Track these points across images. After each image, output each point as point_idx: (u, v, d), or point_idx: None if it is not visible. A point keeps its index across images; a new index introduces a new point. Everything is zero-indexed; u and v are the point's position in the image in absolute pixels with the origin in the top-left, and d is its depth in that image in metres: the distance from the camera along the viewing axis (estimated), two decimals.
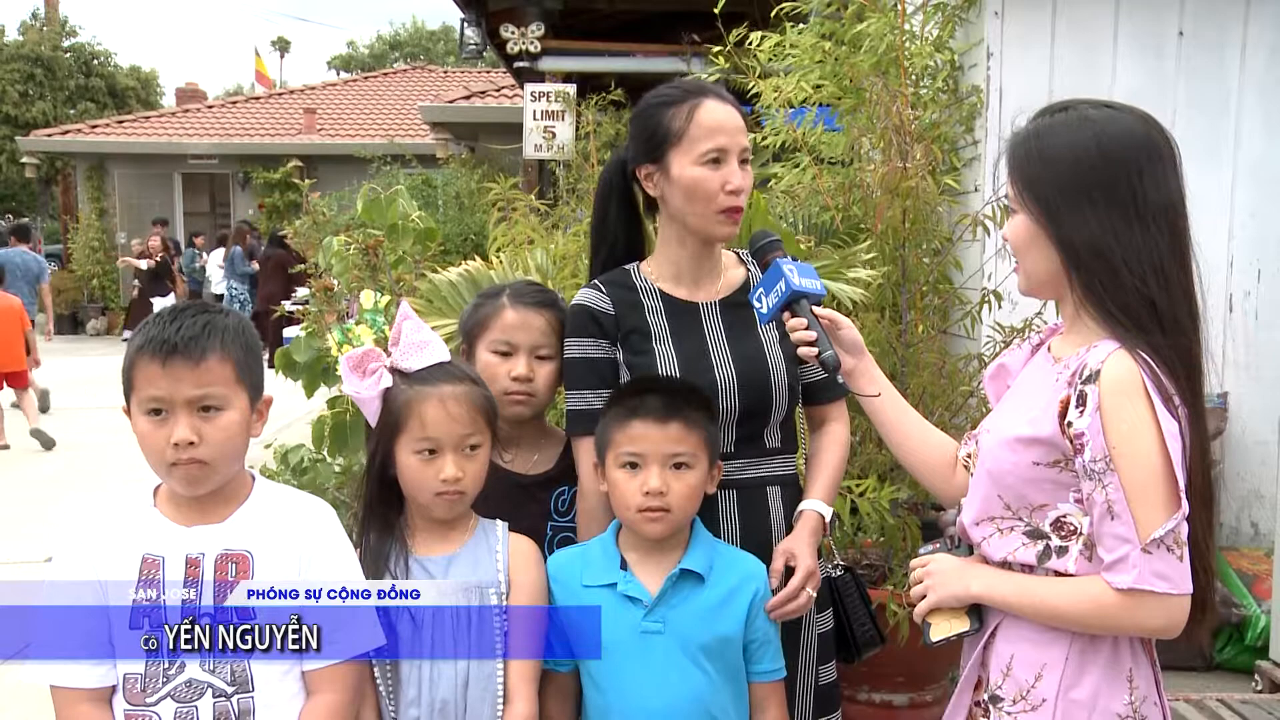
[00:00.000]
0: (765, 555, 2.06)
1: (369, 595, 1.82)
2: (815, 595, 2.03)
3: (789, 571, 2.01)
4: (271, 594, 1.72)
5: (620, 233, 2.23)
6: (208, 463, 1.69)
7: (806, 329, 1.90)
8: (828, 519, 2.10)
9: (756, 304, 1.99)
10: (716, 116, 2.05)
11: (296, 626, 1.74)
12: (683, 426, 1.93)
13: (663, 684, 1.91)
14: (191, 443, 1.66)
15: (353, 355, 1.93)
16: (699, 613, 1.94)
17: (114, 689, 1.71)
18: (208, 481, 1.72)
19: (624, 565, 1.97)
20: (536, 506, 2.21)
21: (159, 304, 15.02)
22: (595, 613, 1.93)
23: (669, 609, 1.93)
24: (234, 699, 1.70)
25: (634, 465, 1.93)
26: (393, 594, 1.85)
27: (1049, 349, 1.76)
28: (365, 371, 1.92)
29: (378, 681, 1.88)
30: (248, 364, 1.75)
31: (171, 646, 1.68)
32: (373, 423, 1.94)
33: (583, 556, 2.03)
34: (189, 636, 1.68)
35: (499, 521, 2.03)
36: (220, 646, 1.69)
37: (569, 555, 2.05)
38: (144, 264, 17.20)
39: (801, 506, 2.11)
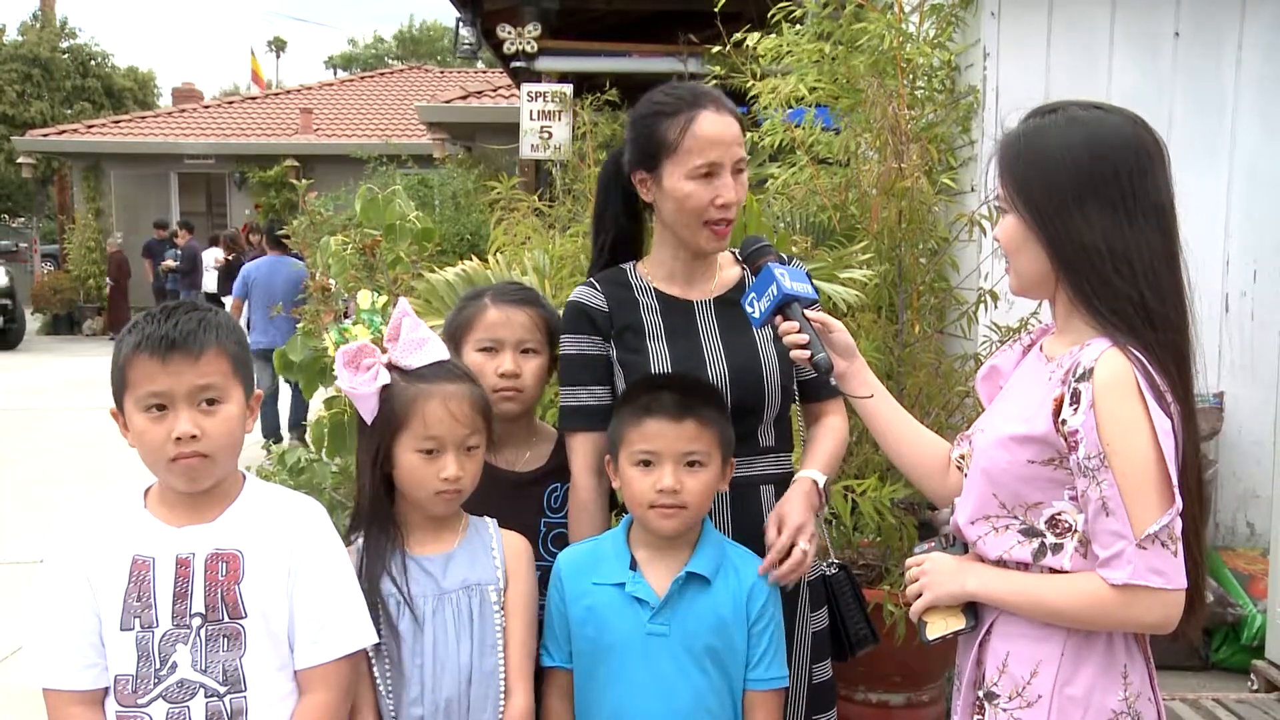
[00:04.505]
0: (760, 553, 2.05)
1: (362, 593, 1.83)
2: (811, 551, 1.99)
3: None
4: (262, 593, 1.72)
5: (617, 227, 2.25)
6: (209, 456, 1.69)
7: (799, 332, 1.90)
8: (821, 485, 2.09)
9: (749, 309, 1.99)
10: (711, 130, 2.04)
11: (288, 625, 1.74)
12: (697, 424, 1.92)
13: (665, 686, 1.91)
14: (194, 436, 1.67)
15: (347, 350, 1.92)
16: (703, 616, 1.93)
17: (106, 691, 1.70)
18: (208, 476, 1.72)
19: (634, 565, 1.97)
20: (529, 503, 2.21)
21: (230, 304, 14.96)
22: (598, 612, 1.95)
23: (674, 611, 1.93)
24: (226, 699, 1.69)
25: (648, 463, 1.93)
26: (396, 594, 1.86)
27: (1041, 349, 1.77)
28: (360, 367, 1.92)
29: (377, 681, 1.87)
30: (241, 359, 1.76)
31: (161, 647, 1.67)
32: (368, 419, 1.92)
33: (594, 553, 2.02)
34: (181, 636, 1.68)
35: (488, 519, 2.03)
36: (211, 647, 1.69)
37: (580, 551, 2.05)
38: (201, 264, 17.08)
39: (796, 475, 2.11)
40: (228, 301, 15.11)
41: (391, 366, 1.93)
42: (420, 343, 1.96)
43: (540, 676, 2.02)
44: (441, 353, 1.98)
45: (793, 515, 2.00)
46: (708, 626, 1.93)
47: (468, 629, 1.90)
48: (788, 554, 1.97)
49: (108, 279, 18.77)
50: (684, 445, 1.91)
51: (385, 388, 1.90)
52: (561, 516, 2.20)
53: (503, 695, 1.91)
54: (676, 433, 1.91)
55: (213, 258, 16.66)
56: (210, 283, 16.30)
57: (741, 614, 1.95)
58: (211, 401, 1.70)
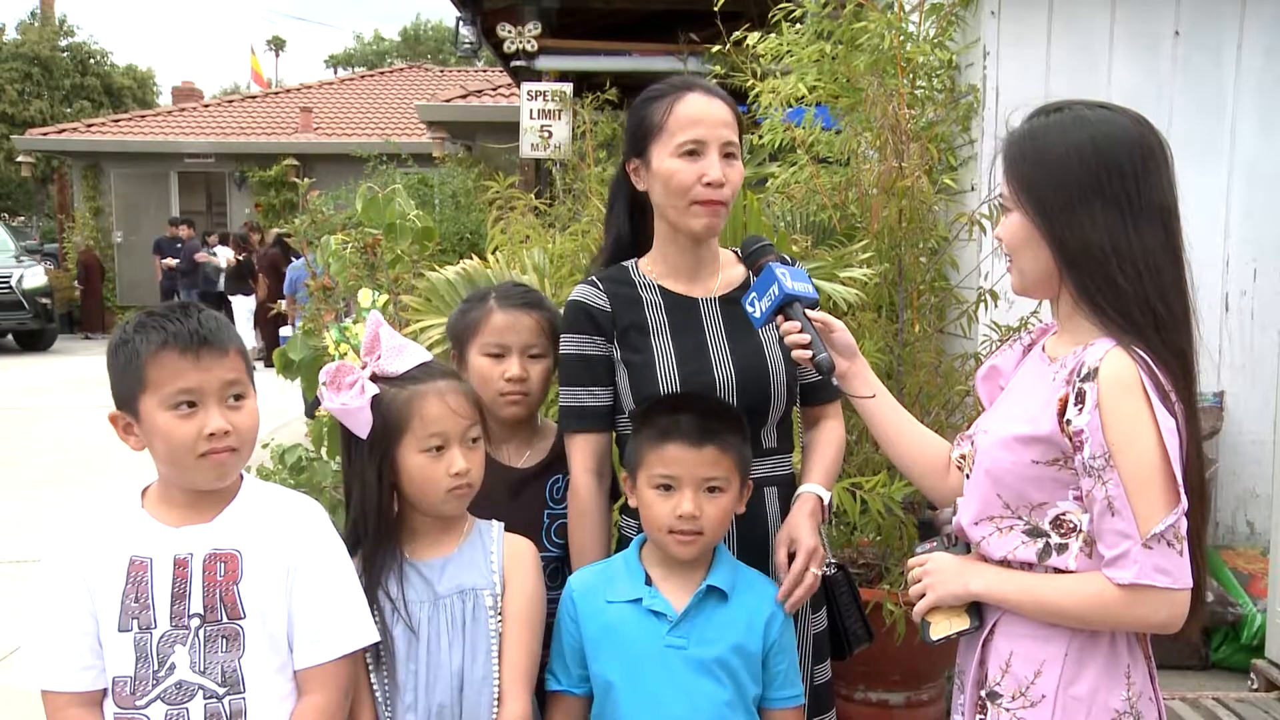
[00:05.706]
0: (763, 556, 2.05)
1: (361, 593, 1.82)
2: (820, 574, 2.00)
3: (793, 559, 1.99)
4: (261, 593, 1.71)
5: (618, 227, 2.24)
6: (238, 450, 1.71)
7: (800, 332, 1.90)
8: (826, 501, 2.09)
9: (750, 309, 1.98)
10: (696, 109, 2.04)
11: (287, 626, 1.74)
12: (717, 450, 1.90)
13: (684, 700, 1.90)
14: (227, 431, 1.68)
15: (327, 371, 1.90)
16: (722, 630, 1.93)
17: (105, 692, 1.69)
18: (234, 470, 1.75)
19: (648, 581, 1.96)
20: (533, 497, 2.22)
21: (239, 304, 15.00)
22: (614, 628, 1.94)
23: (693, 625, 1.92)
24: (225, 700, 1.69)
25: (668, 487, 1.91)
26: (391, 601, 1.86)
27: (1043, 349, 1.77)
28: (343, 385, 1.89)
29: (374, 686, 1.86)
30: (249, 358, 1.79)
31: (159, 648, 1.67)
32: (363, 434, 1.89)
33: (605, 573, 2.02)
34: (179, 637, 1.67)
35: (495, 522, 2.02)
36: (210, 647, 1.68)
37: (592, 572, 2.04)
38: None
39: (799, 490, 2.10)
40: (235, 301, 15.18)
41: (376, 377, 1.92)
42: (400, 349, 1.95)
43: (545, 700, 2.00)
44: (423, 355, 1.97)
45: (804, 539, 2.00)
46: (724, 641, 1.92)
47: (459, 634, 1.89)
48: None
49: (76, 281, 18.74)
50: (704, 471, 1.90)
51: (376, 398, 1.89)
52: (564, 508, 2.20)
53: (496, 702, 1.89)
54: (697, 458, 1.90)
55: (224, 257, 16.67)
56: (220, 282, 16.31)
57: (758, 634, 1.94)
58: (238, 397, 1.72)
